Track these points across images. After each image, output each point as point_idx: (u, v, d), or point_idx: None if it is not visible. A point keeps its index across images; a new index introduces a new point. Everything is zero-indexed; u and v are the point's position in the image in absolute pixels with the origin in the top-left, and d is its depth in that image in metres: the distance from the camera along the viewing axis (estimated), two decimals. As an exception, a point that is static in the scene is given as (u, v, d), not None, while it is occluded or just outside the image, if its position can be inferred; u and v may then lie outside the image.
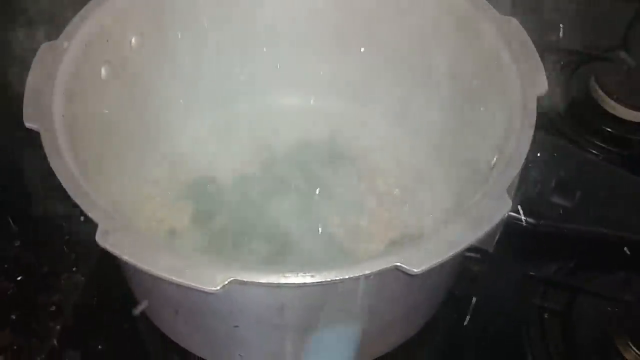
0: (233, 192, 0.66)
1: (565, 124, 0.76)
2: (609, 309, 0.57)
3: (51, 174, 0.45)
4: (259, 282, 0.39)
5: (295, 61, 0.71)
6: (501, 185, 0.44)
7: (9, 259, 0.64)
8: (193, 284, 0.39)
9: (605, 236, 0.52)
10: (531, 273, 0.61)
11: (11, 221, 0.67)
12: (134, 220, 0.62)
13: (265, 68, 0.72)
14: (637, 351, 0.53)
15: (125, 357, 0.59)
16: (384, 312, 0.50)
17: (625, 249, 0.55)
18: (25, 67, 0.51)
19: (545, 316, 0.59)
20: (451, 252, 0.41)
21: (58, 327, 0.59)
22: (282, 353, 0.51)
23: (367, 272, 0.40)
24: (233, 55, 0.69)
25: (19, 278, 0.63)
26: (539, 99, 0.50)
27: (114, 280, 0.57)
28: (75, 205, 0.43)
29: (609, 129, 0.74)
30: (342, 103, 0.73)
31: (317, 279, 0.39)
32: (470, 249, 0.47)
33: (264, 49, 0.70)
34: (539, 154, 0.49)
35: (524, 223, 0.49)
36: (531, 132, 0.47)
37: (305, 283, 0.39)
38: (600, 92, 0.75)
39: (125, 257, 0.40)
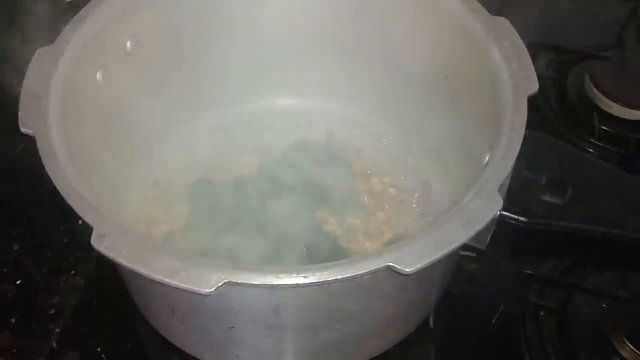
0: (230, 194, 0.66)
1: (561, 123, 0.76)
2: (604, 306, 0.58)
3: (48, 177, 0.45)
4: (252, 284, 0.40)
5: (291, 63, 0.72)
6: (492, 184, 0.44)
7: (8, 262, 0.65)
8: (187, 286, 0.39)
9: (599, 234, 0.52)
10: (527, 271, 0.61)
11: (10, 225, 0.67)
12: (131, 223, 0.62)
13: (262, 70, 0.72)
14: (633, 348, 0.54)
15: (124, 358, 0.60)
16: (379, 311, 0.50)
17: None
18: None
19: (542, 314, 0.59)
20: (443, 252, 0.41)
21: (57, 329, 0.60)
22: (279, 353, 0.52)
23: (359, 272, 0.40)
24: (229, 57, 0.69)
25: (18, 281, 0.63)
26: (530, 98, 0.50)
27: (112, 282, 0.57)
28: (72, 209, 0.43)
29: (604, 128, 0.74)
30: (338, 104, 0.74)
31: (310, 279, 0.40)
32: (464, 247, 0.47)
33: (261, 51, 0.71)
34: (531, 152, 0.49)
35: (516, 222, 0.49)
36: (522, 131, 0.47)
37: (298, 284, 0.40)
38: (595, 90, 0.75)
39: (120, 260, 0.40)
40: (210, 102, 0.72)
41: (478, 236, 0.43)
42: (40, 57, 0.52)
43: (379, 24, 0.66)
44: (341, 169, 0.68)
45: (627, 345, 0.54)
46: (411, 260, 0.40)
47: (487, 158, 0.49)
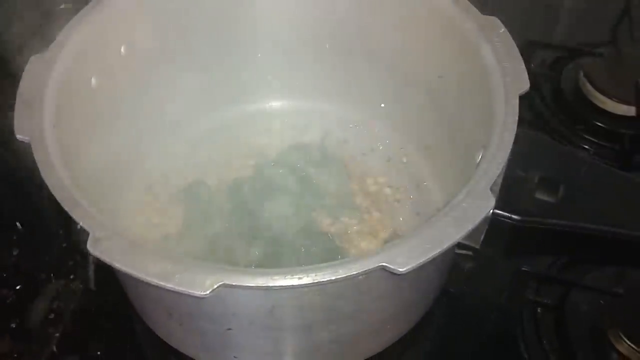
0: (226, 196, 0.66)
1: (556, 119, 0.76)
2: (601, 302, 0.58)
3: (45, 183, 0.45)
4: (247, 286, 0.40)
5: (285, 65, 0.72)
6: (484, 183, 0.44)
7: (8, 268, 0.65)
8: (182, 289, 0.39)
9: (592, 232, 0.52)
10: (524, 268, 0.61)
11: (9, 230, 0.68)
12: (128, 227, 0.63)
13: (256, 72, 0.73)
14: (630, 343, 0.54)
15: (124, 362, 0.60)
16: (375, 311, 0.51)
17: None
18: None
19: (539, 311, 0.59)
20: (436, 251, 0.41)
21: (57, 333, 0.60)
22: (276, 353, 0.52)
23: (353, 273, 0.40)
24: (223, 60, 0.70)
25: (18, 287, 0.63)
26: (526, 95, 0.50)
27: (111, 286, 0.58)
28: (69, 214, 0.44)
29: (599, 124, 0.75)
30: (332, 105, 0.74)
31: (305, 281, 0.40)
32: (459, 246, 0.47)
33: (256, 54, 0.71)
34: (523, 151, 0.49)
35: (509, 220, 0.50)
36: (514, 130, 0.47)
37: (293, 285, 0.40)
38: (589, 87, 0.76)
39: (116, 264, 0.40)
40: (205, 105, 0.72)
41: (471, 235, 0.44)
42: (34, 64, 0.52)
43: (372, 25, 0.66)
44: (336, 169, 0.68)
45: (624, 341, 0.54)
46: (404, 260, 0.41)
47: (480, 156, 0.49)
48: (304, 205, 0.65)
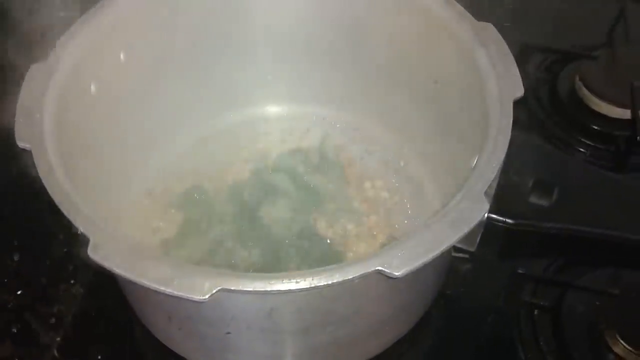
0: (225, 200, 0.67)
1: (552, 122, 0.77)
2: (597, 303, 0.58)
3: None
4: (245, 290, 0.40)
5: (283, 71, 0.73)
6: (479, 187, 0.45)
7: (9, 273, 0.65)
8: (182, 294, 0.40)
9: (586, 234, 0.53)
10: (520, 271, 0.62)
11: (10, 235, 0.68)
12: (128, 231, 0.63)
13: (254, 77, 0.73)
14: (626, 345, 0.54)
15: (125, 366, 0.60)
16: (372, 314, 0.51)
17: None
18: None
19: (536, 312, 0.60)
20: (431, 255, 0.42)
21: (58, 338, 0.60)
22: (275, 356, 0.52)
23: (349, 277, 0.41)
24: (223, 65, 0.71)
25: (19, 291, 0.64)
26: (522, 98, 0.51)
27: (111, 290, 0.58)
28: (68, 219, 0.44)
29: (595, 127, 0.75)
30: (330, 110, 0.75)
31: (302, 285, 0.40)
32: (456, 249, 0.48)
33: (255, 59, 0.72)
34: (517, 155, 0.50)
35: (504, 224, 0.50)
36: (508, 134, 0.48)
37: (290, 289, 0.41)
38: (585, 90, 0.76)
39: (115, 269, 0.41)
40: (204, 109, 0.72)
41: (467, 238, 0.44)
42: (34, 72, 0.53)
43: (370, 30, 0.67)
44: (334, 173, 0.69)
45: (620, 342, 0.55)
46: (400, 264, 0.41)
47: (475, 160, 0.49)
48: (303, 209, 0.66)
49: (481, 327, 0.61)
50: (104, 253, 0.42)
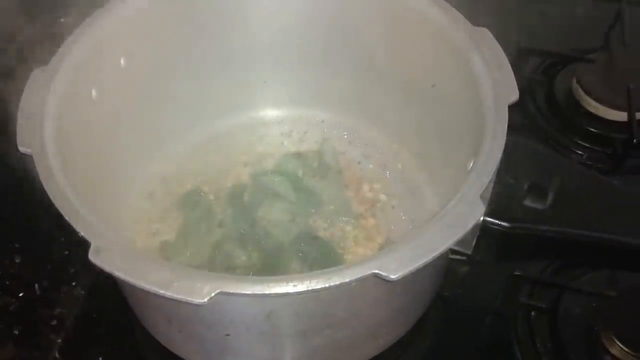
0: (224, 203, 0.67)
1: (549, 125, 0.77)
2: (594, 305, 0.59)
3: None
4: (244, 293, 0.41)
5: (282, 75, 0.73)
6: (474, 191, 0.45)
7: (10, 275, 0.66)
8: (181, 297, 0.40)
9: (580, 238, 0.53)
10: (517, 273, 0.62)
11: (11, 238, 0.69)
12: (129, 234, 0.64)
13: (253, 81, 0.74)
14: (622, 346, 0.55)
15: (125, 367, 0.61)
16: (370, 316, 0.52)
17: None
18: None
19: (533, 314, 0.60)
20: (427, 258, 0.42)
21: (59, 340, 0.61)
22: (274, 358, 0.53)
23: (346, 280, 0.41)
24: (222, 69, 0.71)
25: (20, 294, 0.64)
26: (520, 101, 0.51)
27: (112, 293, 0.59)
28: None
29: (591, 129, 0.75)
30: (329, 114, 0.75)
31: (299, 288, 0.41)
32: (452, 251, 0.48)
33: (253, 63, 0.72)
34: (513, 159, 0.50)
35: (499, 227, 0.50)
36: (503, 139, 0.48)
37: (288, 292, 0.41)
38: (582, 93, 0.76)
39: (116, 273, 0.42)
40: (203, 113, 0.73)
41: (463, 241, 0.45)
42: (36, 78, 0.54)
43: (367, 35, 0.67)
44: (333, 176, 0.69)
45: (617, 344, 0.55)
46: (396, 267, 0.42)
47: (471, 163, 0.50)
48: (302, 212, 0.66)
49: (478, 328, 0.62)
50: (105, 257, 0.42)
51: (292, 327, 0.49)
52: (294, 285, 0.41)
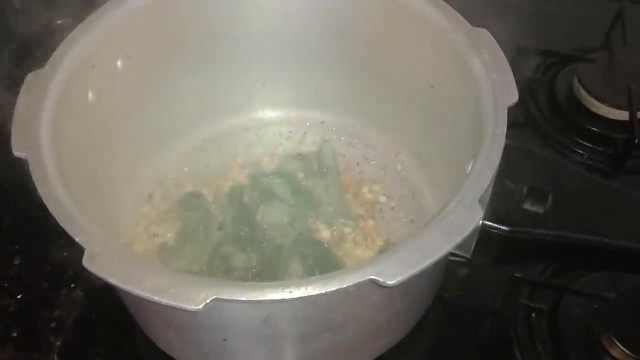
0: (223, 205, 0.67)
1: (550, 124, 0.77)
2: (594, 306, 0.59)
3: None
4: (240, 300, 0.41)
5: (281, 75, 0.73)
6: (473, 195, 0.45)
7: (9, 277, 0.66)
8: (176, 304, 0.40)
9: (579, 241, 0.53)
10: (517, 274, 0.62)
11: (11, 240, 0.69)
12: (126, 237, 0.64)
13: (252, 82, 0.73)
14: (622, 347, 0.55)
15: (124, 370, 0.61)
16: (368, 321, 0.52)
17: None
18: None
19: (533, 316, 0.60)
20: (424, 264, 0.42)
21: (59, 342, 0.61)
22: (273, 363, 0.53)
23: (343, 286, 0.41)
24: (220, 71, 0.71)
25: (19, 296, 0.64)
26: (520, 101, 0.51)
27: (111, 295, 0.58)
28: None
29: (592, 128, 0.75)
30: (328, 115, 0.75)
31: (296, 294, 0.41)
32: (451, 254, 0.48)
33: (252, 65, 0.72)
34: (512, 162, 0.50)
35: (498, 231, 0.50)
36: (502, 142, 0.48)
37: (284, 299, 0.41)
38: (583, 92, 0.76)
39: (111, 280, 0.42)
40: (202, 115, 0.73)
41: (462, 245, 0.44)
42: (31, 81, 0.53)
43: (366, 36, 0.67)
44: (332, 178, 0.69)
45: (617, 345, 0.55)
46: (394, 272, 0.41)
47: (470, 166, 0.50)
48: (301, 214, 0.66)
49: (478, 330, 0.62)
50: (100, 263, 0.42)
51: (290, 332, 0.49)
52: (290, 292, 0.41)
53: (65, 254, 0.67)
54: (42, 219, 0.63)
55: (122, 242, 0.63)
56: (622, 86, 0.74)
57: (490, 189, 0.48)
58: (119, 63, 0.61)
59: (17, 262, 0.67)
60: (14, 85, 0.54)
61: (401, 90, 0.66)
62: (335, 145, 0.73)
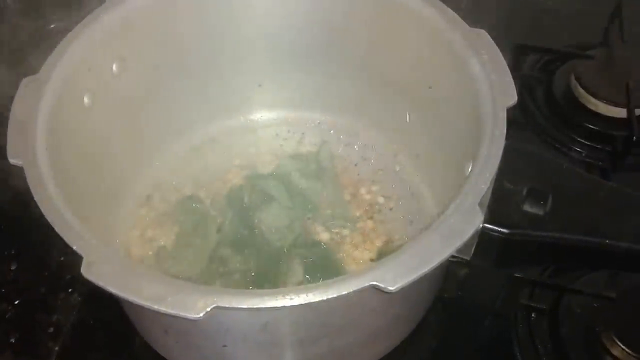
0: (221, 207, 0.67)
1: (548, 122, 0.77)
2: (594, 306, 0.58)
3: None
4: (239, 307, 0.41)
5: (279, 77, 0.73)
6: (472, 199, 0.45)
7: (7, 282, 0.66)
8: (175, 312, 0.40)
9: (580, 243, 0.52)
10: (517, 274, 0.62)
11: (7, 245, 0.68)
12: (123, 241, 0.63)
13: (250, 84, 0.73)
14: (623, 346, 0.55)
15: (122, 375, 0.61)
16: (368, 325, 0.51)
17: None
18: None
19: (533, 315, 0.60)
20: (425, 269, 0.42)
21: (57, 347, 0.61)
22: (272, 368, 0.53)
23: (343, 293, 0.41)
24: (217, 71, 0.70)
25: (17, 301, 0.64)
26: (518, 99, 0.51)
27: (109, 300, 0.58)
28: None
29: (590, 126, 0.75)
30: (326, 116, 0.75)
31: (295, 301, 0.40)
32: (450, 256, 0.48)
33: (249, 66, 0.71)
34: (511, 163, 0.50)
35: (498, 233, 0.50)
36: (502, 143, 0.48)
37: (284, 306, 0.41)
38: (581, 89, 0.76)
39: (110, 288, 0.41)
40: (199, 117, 0.72)
41: (462, 248, 0.44)
42: (26, 86, 0.53)
43: (364, 36, 0.66)
44: (330, 179, 0.69)
45: (618, 344, 0.55)
46: (394, 278, 0.41)
47: (470, 168, 0.49)
48: (299, 216, 0.66)
49: (479, 330, 0.62)
50: (98, 271, 0.42)
51: (290, 337, 0.49)
52: (290, 299, 0.41)
53: (62, 258, 0.66)
54: (39, 223, 0.64)
55: (120, 246, 0.63)
56: (620, 83, 0.74)
57: (490, 192, 0.47)
58: (114, 66, 0.60)
59: (13, 267, 0.67)
60: (8, 91, 0.53)
61: (399, 90, 0.66)
62: (333, 146, 0.72)
